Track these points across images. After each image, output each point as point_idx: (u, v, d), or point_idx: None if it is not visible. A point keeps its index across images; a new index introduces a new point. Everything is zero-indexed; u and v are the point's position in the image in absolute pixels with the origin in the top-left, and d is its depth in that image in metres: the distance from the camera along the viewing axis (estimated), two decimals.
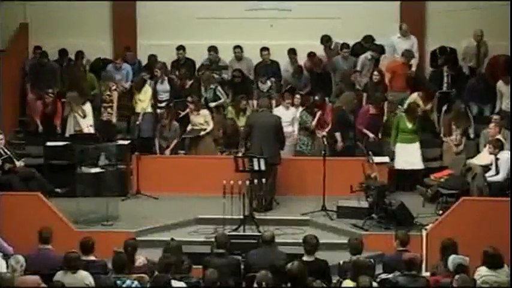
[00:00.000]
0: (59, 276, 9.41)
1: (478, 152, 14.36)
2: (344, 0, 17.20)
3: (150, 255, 10.35)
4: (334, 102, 15.78)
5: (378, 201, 12.84)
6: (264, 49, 16.90)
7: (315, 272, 9.49)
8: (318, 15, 17.20)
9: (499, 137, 13.81)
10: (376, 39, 16.78)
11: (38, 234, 10.42)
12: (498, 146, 13.32)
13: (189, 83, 16.13)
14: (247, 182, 12.89)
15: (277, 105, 15.76)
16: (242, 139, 14.39)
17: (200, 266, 9.97)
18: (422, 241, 11.57)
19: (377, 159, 14.06)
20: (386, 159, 14.50)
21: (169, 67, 16.99)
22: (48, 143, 14.87)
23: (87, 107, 15.40)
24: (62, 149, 14.59)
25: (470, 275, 9.25)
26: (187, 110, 15.52)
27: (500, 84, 15.56)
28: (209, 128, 15.27)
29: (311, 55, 16.59)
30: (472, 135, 15.06)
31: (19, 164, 13.69)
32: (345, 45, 16.57)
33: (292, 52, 16.80)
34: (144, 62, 17.35)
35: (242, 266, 10.25)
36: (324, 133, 14.93)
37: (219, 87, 16.13)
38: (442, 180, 13.73)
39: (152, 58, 16.94)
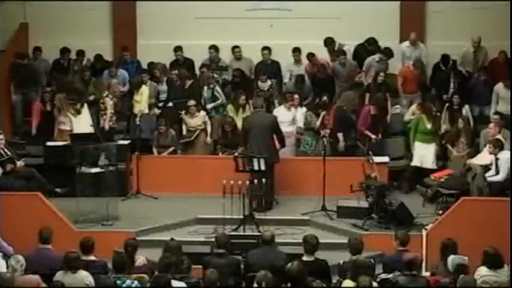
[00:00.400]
0: (59, 276, 9.41)
1: (478, 152, 14.35)
2: (344, 0, 17.19)
3: (150, 255, 10.35)
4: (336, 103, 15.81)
5: (378, 201, 12.84)
6: (265, 48, 16.91)
7: (315, 272, 9.49)
8: (318, 15, 17.21)
9: (499, 137, 13.80)
10: (378, 40, 16.83)
11: (38, 234, 10.43)
12: (498, 146, 13.31)
13: (189, 82, 16.12)
14: (247, 182, 12.89)
15: (279, 105, 15.78)
16: (240, 141, 14.38)
17: (200, 266, 9.97)
18: (422, 241, 11.58)
19: (377, 159, 14.07)
20: (386, 159, 14.51)
21: (168, 67, 17.03)
22: (48, 143, 14.88)
23: (84, 108, 15.35)
24: (61, 149, 14.58)
25: (470, 275, 9.25)
26: (184, 112, 15.52)
27: (499, 87, 15.48)
28: (208, 129, 15.25)
29: (310, 56, 16.57)
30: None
31: (19, 163, 13.68)
32: (341, 52, 16.55)
33: (296, 51, 16.80)
34: (144, 62, 17.34)
35: (242, 266, 10.24)
36: (324, 133, 14.94)
37: (217, 88, 16.11)
38: (442, 180, 13.74)
39: (152, 65, 16.88)
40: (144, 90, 15.89)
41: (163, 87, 16.33)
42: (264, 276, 8.75)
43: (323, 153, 13.79)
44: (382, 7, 17.20)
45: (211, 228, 12.81)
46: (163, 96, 16.29)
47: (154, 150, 15.25)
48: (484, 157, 13.72)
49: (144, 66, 17.18)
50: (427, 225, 12.18)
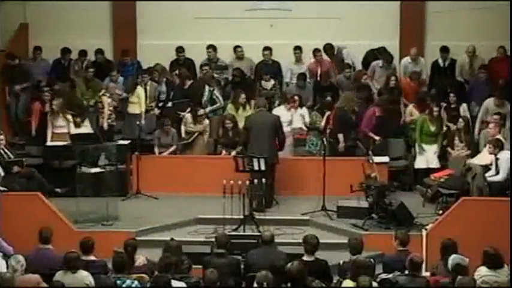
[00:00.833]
0: (59, 276, 9.41)
1: (478, 152, 14.35)
2: (344, 0, 17.19)
3: (150, 255, 10.35)
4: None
5: (378, 201, 12.84)
6: (266, 49, 16.92)
7: (315, 272, 9.49)
8: (318, 15, 17.22)
9: (499, 137, 13.80)
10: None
11: (38, 234, 10.43)
12: (498, 146, 13.31)
13: (189, 83, 16.11)
14: (247, 182, 12.89)
15: (279, 105, 15.78)
16: (241, 140, 14.38)
17: (200, 266, 9.97)
18: (422, 241, 11.58)
19: (377, 159, 14.08)
20: (386, 159, 14.52)
21: (168, 67, 17.04)
22: (48, 143, 14.89)
23: (86, 123, 15.35)
24: (61, 149, 14.58)
25: (469, 275, 9.25)
26: (184, 112, 15.53)
27: (489, 102, 15.32)
28: (206, 135, 15.25)
29: (316, 52, 16.60)
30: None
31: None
32: (346, 65, 16.58)
33: (298, 49, 16.82)
34: (144, 62, 17.34)
35: (242, 266, 10.25)
36: (325, 134, 14.98)
37: (215, 91, 16.09)
38: (442, 180, 13.73)
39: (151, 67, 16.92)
40: (140, 91, 15.85)
41: (163, 88, 16.33)
42: (264, 277, 8.76)
43: (323, 153, 13.81)
44: (382, 7, 17.21)
45: (211, 228, 12.81)
46: (162, 97, 16.29)
47: (156, 149, 15.23)
48: (484, 157, 13.72)
49: (144, 66, 17.18)
50: (427, 225, 12.18)
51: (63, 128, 15.04)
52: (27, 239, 10.78)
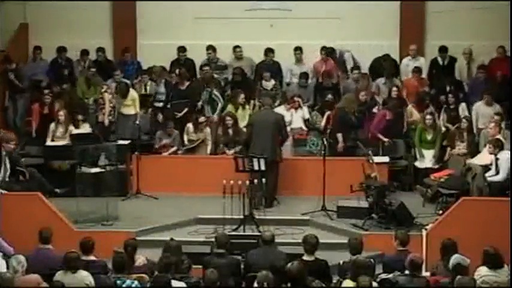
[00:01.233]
0: (59, 276, 9.41)
1: (478, 152, 14.35)
2: (344, 0, 17.19)
3: (150, 255, 10.34)
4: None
5: (378, 201, 12.84)
6: (269, 50, 16.92)
7: (315, 272, 9.49)
8: (317, 15, 17.21)
9: (499, 137, 13.81)
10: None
11: (38, 234, 10.43)
12: (498, 146, 13.31)
13: (187, 83, 16.05)
14: (247, 182, 12.90)
15: (279, 105, 15.78)
16: (244, 138, 14.39)
17: (200, 266, 9.97)
18: (422, 241, 11.57)
19: (377, 159, 14.08)
20: (386, 159, 14.53)
21: (168, 67, 17.04)
22: (48, 143, 14.89)
23: (85, 124, 15.36)
24: (62, 149, 14.58)
25: (469, 275, 9.25)
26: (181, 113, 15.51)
27: (478, 105, 15.42)
28: (208, 147, 15.23)
29: (324, 49, 16.66)
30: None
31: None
32: (355, 67, 16.61)
33: (298, 49, 16.83)
34: (144, 61, 17.34)
35: (242, 266, 10.25)
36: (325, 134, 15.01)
37: (215, 91, 16.08)
38: (442, 180, 13.73)
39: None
40: (134, 93, 15.80)
41: (161, 89, 16.29)
42: (265, 277, 8.75)
43: (323, 153, 13.82)
44: (382, 7, 17.21)
45: (211, 228, 12.80)
46: (160, 97, 16.22)
47: (156, 146, 15.21)
48: (484, 157, 13.72)
49: (144, 66, 17.19)
50: (427, 225, 12.17)
51: (63, 140, 15.01)
52: (27, 239, 10.78)
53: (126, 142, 14.83)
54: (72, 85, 16.72)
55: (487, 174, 13.29)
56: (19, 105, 16.65)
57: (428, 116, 14.89)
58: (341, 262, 10.02)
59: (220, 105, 16.00)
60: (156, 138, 15.30)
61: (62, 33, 17.44)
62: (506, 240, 11.10)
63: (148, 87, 16.41)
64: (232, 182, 12.57)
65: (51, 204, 12.66)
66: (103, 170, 13.67)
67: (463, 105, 15.62)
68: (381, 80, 16.51)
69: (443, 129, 15.24)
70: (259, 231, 12.19)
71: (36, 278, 9.39)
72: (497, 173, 13.21)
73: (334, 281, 9.74)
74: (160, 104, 16.18)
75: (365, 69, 16.92)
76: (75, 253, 9.64)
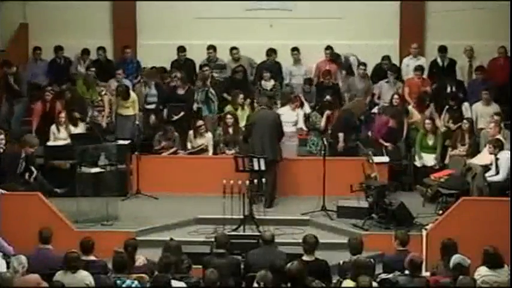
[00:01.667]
0: (59, 276, 9.41)
1: (478, 152, 14.35)
2: (344, 0, 17.19)
3: (150, 255, 10.35)
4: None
5: (378, 201, 12.84)
6: (272, 51, 16.92)
7: (315, 272, 9.49)
8: (318, 15, 17.22)
9: (499, 137, 13.81)
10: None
11: (38, 234, 10.43)
12: (498, 146, 13.32)
13: (185, 88, 15.97)
14: (247, 182, 12.90)
15: (282, 106, 15.78)
16: (243, 138, 14.41)
17: (200, 266, 9.98)
18: (422, 241, 11.57)
19: (377, 159, 14.09)
20: (386, 159, 14.54)
21: (169, 67, 17.04)
22: (48, 143, 14.89)
23: (82, 125, 15.40)
24: (62, 149, 14.58)
25: (469, 275, 9.25)
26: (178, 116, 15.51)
27: (477, 106, 15.44)
28: (210, 152, 15.20)
29: (329, 48, 16.69)
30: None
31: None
32: (362, 63, 16.61)
33: (295, 50, 16.84)
34: (144, 62, 17.35)
35: (242, 266, 10.25)
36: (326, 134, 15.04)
37: (211, 89, 16.06)
38: (442, 180, 13.73)
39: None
40: (134, 95, 15.78)
41: (152, 91, 16.19)
42: (263, 276, 8.76)
43: (323, 153, 13.82)
44: (382, 7, 17.21)
45: (211, 228, 12.80)
46: (150, 100, 16.10)
47: (156, 147, 15.23)
48: (484, 157, 13.72)
49: (144, 66, 17.21)
50: (427, 225, 12.17)
51: (64, 141, 15.01)
52: (27, 239, 10.78)
53: (126, 142, 14.84)
54: (72, 84, 16.72)
55: (487, 174, 13.29)
56: (16, 109, 16.55)
57: (427, 121, 14.91)
58: (341, 262, 10.02)
59: (215, 104, 15.99)
60: (155, 140, 15.28)
61: (62, 33, 17.45)
62: (506, 240, 11.10)
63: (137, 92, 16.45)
64: (232, 182, 12.57)
65: (51, 204, 12.66)
66: (103, 170, 13.65)
67: (466, 104, 15.62)
68: (382, 83, 16.49)
69: (444, 128, 15.24)
70: (259, 231, 12.18)
71: (35, 278, 9.39)
72: (497, 173, 13.22)
73: (334, 281, 9.74)
74: (153, 106, 16.07)
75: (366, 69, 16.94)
76: (75, 253, 9.64)
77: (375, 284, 9.08)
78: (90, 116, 15.74)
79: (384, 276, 9.59)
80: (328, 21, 17.21)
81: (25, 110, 16.46)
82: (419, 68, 16.28)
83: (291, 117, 15.03)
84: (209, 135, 15.23)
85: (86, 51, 17.25)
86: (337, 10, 17.26)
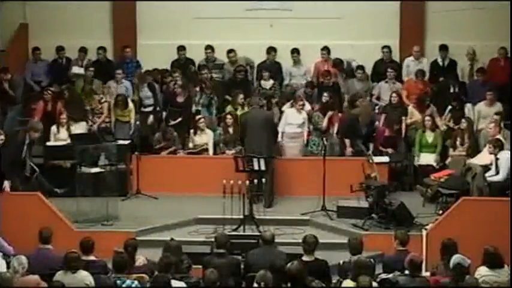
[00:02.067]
0: (59, 276, 9.41)
1: (478, 151, 14.36)
2: (344, 0, 17.19)
3: (150, 255, 10.35)
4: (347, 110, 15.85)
5: (378, 201, 12.85)
6: (272, 49, 16.93)
7: (315, 272, 9.49)
8: (318, 15, 17.21)
9: (499, 137, 13.81)
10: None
11: (38, 234, 10.43)
12: (498, 146, 13.32)
13: (185, 95, 15.87)
14: (247, 182, 12.90)
15: (281, 106, 15.84)
16: (240, 139, 14.44)
17: (200, 266, 9.97)
18: (422, 241, 11.58)
19: (377, 159, 14.10)
20: (386, 159, 14.55)
21: (169, 67, 17.04)
22: (48, 143, 14.89)
23: (81, 124, 15.40)
24: (62, 149, 14.59)
25: (469, 275, 9.25)
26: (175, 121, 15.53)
27: (480, 106, 15.44)
28: (210, 152, 15.22)
29: (325, 49, 16.71)
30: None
31: (5, 185, 13.39)
32: (359, 67, 16.61)
33: (295, 51, 16.85)
34: (144, 62, 17.35)
35: (242, 266, 10.25)
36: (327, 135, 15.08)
37: (215, 98, 16.05)
38: (442, 180, 13.73)
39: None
40: (131, 106, 15.75)
41: (147, 93, 16.10)
42: (263, 276, 8.75)
43: (323, 153, 13.83)
44: (382, 7, 17.20)
45: (211, 228, 12.81)
46: (148, 102, 16.07)
47: (156, 147, 15.23)
48: (484, 157, 13.72)
49: (145, 66, 17.20)
50: (427, 225, 12.18)
51: (64, 142, 15.01)
52: (27, 239, 10.78)
53: (126, 142, 14.84)
54: (71, 84, 16.73)
55: (487, 174, 13.29)
56: (8, 115, 16.45)
57: (427, 118, 14.94)
58: (341, 262, 10.02)
59: (215, 106, 16.02)
60: (154, 140, 15.28)
61: (62, 33, 17.43)
62: (506, 240, 11.11)
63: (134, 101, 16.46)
64: (232, 182, 12.57)
65: (51, 204, 12.67)
66: (103, 170, 13.66)
67: (468, 105, 15.62)
68: (382, 83, 16.50)
69: (444, 127, 15.25)
70: (259, 231, 12.19)
71: (35, 279, 9.39)
72: (497, 173, 13.22)
73: (334, 281, 9.74)
74: (149, 109, 16.02)
75: (367, 69, 16.93)
76: (75, 253, 9.64)
77: (375, 284, 9.08)
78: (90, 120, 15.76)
79: (384, 276, 9.59)
80: (328, 21, 17.19)
81: (19, 115, 16.37)
82: (420, 74, 16.20)
83: (296, 119, 15.05)
84: (209, 132, 15.24)
85: (83, 49, 17.20)
86: (337, 10, 17.24)
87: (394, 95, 15.65)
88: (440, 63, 16.80)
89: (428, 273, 9.95)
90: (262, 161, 13.08)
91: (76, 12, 17.49)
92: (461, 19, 16.93)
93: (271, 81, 16.56)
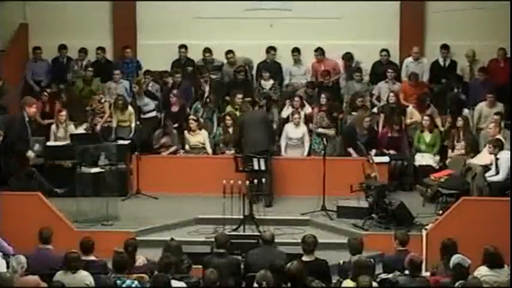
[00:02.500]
0: (59, 276, 9.41)
1: (476, 149, 14.36)
2: (344, 0, 17.19)
3: (150, 255, 10.35)
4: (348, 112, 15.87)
5: (378, 201, 12.85)
6: (271, 48, 16.93)
7: (315, 272, 9.49)
8: (318, 15, 17.20)
9: (499, 137, 13.81)
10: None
11: (38, 234, 10.43)
12: (498, 146, 13.32)
13: (179, 105, 15.84)
14: (247, 182, 12.90)
15: (281, 107, 15.89)
16: (236, 138, 14.47)
17: (200, 266, 9.97)
18: (422, 241, 11.58)
19: (377, 159, 14.10)
20: (386, 159, 14.55)
21: (169, 67, 17.05)
22: (48, 143, 14.89)
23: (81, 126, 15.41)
24: (62, 149, 14.59)
25: (469, 275, 9.25)
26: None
27: (481, 106, 15.45)
28: (208, 150, 15.21)
29: (319, 50, 16.72)
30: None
31: (30, 154, 13.53)
32: (358, 70, 16.62)
33: (296, 51, 16.86)
34: (144, 62, 17.36)
35: (242, 266, 10.25)
36: (320, 130, 15.11)
37: (216, 113, 16.05)
38: (442, 180, 13.73)
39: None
40: (131, 109, 15.72)
41: (144, 99, 16.02)
42: (264, 276, 8.75)
43: (323, 153, 13.84)
44: (382, 7, 17.19)
45: (211, 228, 12.81)
46: (146, 108, 16.00)
47: (156, 146, 15.22)
48: (484, 157, 13.73)
49: (144, 66, 17.20)
50: (427, 225, 12.18)
51: (64, 140, 15.00)
52: (27, 239, 10.77)
53: (126, 142, 14.84)
54: (70, 85, 16.72)
55: (487, 174, 13.29)
56: None
57: (425, 118, 14.96)
58: (341, 262, 10.02)
59: (216, 117, 16.06)
60: (154, 137, 15.29)
61: (62, 33, 17.42)
62: (506, 240, 11.11)
63: (149, 88, 16.44)
64: (232, 182, 12.57)
65: (51, 204, 12.67)
66: (103, 170, 13.66)
67: (466, 111, 15.60)
68: (381, 84, 16.49)
69: (442, 129, 15.26)
70: (259, 231, 12.20)
71: (35, 280, 9.40)
72: (497, 173, 13.21)
73: (334, 281, 9.74)
74: (150, 115, 15.96)
75: (367, 69, 16.94)
76: (75, 253, 9.64)
77: (375, 284, 9.08)
78: (90, 121, 15.75)
79: (384, 276, 9.59)
80: (328, 21, 17.18)
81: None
82: (413, 77, 16.15)
83: (296, 133, 15.17)
84: (205, 133, 15.23)
85: (83, 50, 17.21)
86: (337, 10, 17.23)
87: (391, 95, 15.73)
88: (442, 64, 16.80)
89: (428, 273, 9.95)
90: (262, 161, 13.08)
91: (76, 12, 17.48)
92: (461, 19, 16.93)
93: (271, 81, 16.57)
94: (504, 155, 13.23)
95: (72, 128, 15.10)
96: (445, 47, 16.72)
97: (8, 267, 9.85)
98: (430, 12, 17.34)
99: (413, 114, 15.56)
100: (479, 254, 9.52)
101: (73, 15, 17.51)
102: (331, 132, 15.29)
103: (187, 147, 15.23)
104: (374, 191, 12.98)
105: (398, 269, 9.52)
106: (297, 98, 15.58)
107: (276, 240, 10.68)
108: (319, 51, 16.81)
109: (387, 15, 17.21)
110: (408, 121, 15.56)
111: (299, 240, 10.37)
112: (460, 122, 14.74)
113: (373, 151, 14.69)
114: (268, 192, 13.77)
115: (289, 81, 16.97)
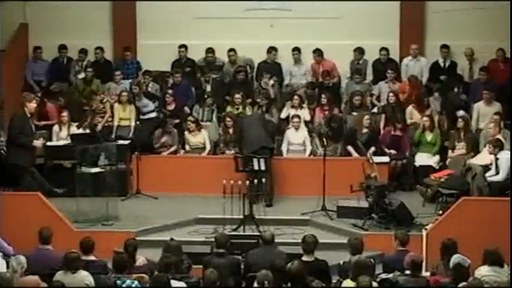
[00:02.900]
0: (59, 276, 9.41)
1: (477, 148, 14.36)
2: (344, 0, 17.19)
3: (150, 255, 10.35)
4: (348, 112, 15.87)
5: (378, 201, 12.85)
6: (272, 48, 16.93)
7: (315, 272, 9.49)
8: (317, 15, 17.20)
9: (499, 137, 13.82)
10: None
11: (38, 234, 10.43)
12: (498, 146, 13.33)
13: (174, 104, 15.87)
14: (247, 182, 12.90)
15: (281, 108, 15.90)
16: (239, 148, 14.49)
17: (200, 266, 9.97)
18: (422, 241, 11.58)
19: (377, 159, 14.10)
20: (386, 159, 14.55)
21: (169, 67, 17.04)
22: (48, 143, 14.89)
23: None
24: (62, 149, 14.59)
25: (469, 275, 9.25)
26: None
27: (479, 105, 15.44)
28: (207, 149, 15.23)
29: (317, 51, 16.72)
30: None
31: (37, 143, 13.50)
32: (357, 71, 16.62)
33: (296, 50, 16.87)
34: (144, 62, 17.35)
35: (242, 266, 10.25)
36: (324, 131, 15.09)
37: (216, 112, 16.07)
38: (442, 180, 13.73)
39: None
40: (132, 108, 15.74)
41: (144, 101, 16.05)
42: (265, 276, 8.76)
43: (323, 153, 13.84)
44: (382, 7, 17.19)
45: (211, 228, 12.81)
46: (146, 109, 16.01)
47: (156, 146, 15.22)
48: (484, 157, 13.73)
49: (144, 66, 17.21)
50: (427, 225, 12.18)
51: (66, 141, 15.01)
52: (27, 239, 10.77)
53: (126, 142, 14.85)
54: (70, 85, 16.70)
55: (487, 174, 13.30)
56: None
57: (425, 118, 14.95)
58: (341, 262, 10.02)
59: (216, 114, 16.05)
60: (154, 136, 15.29)
61: (62, 33, 17.43)
62: (506, 240, 11.11)
63: (149, 88, 16.44)
64: (232, 182, 12.58)
65: (51, 204, 12.66)
66: (103, 170, 13.65)
67: (461, 112, 15.59)
68: (381, 84, 16.50)
69: (445, 127, 15.27)
70: (259, 231, 12.19)
71: (35, 280, 9.40)
72: (497, 173, 13.23)
73: (334, 281, 9.74)
74: (149, 116, 15.98)
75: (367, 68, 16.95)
76: (75, 253, 9.64)
77: (375, 284, 9.08)
78: (90, 121, 15.75)
79: (384, 276, 9.60)
80: (328, 21, 17.18)
81: None
82: (413, 79, 16.12)
83: (296, 138, 15.14)
84: (205, 133, 15.24)
85: (83, 51, 17.21)
86: (337, 10, 17.23)
87: (391, 94, 15.73)
88: (442, 64, 16.79)
89: (428, 273, 9.95)
90: (262, 161, 13.08)
91: (76, 12, 17.48)
92: (461, 19, 16.93)
93: (271, 82, 16.55)
94: (504, 155, 13.24)
95: (74, 129, 15.09)
96: (445, 47, 16.73)
97: (8, 267, 9.85)
98: (430, 12, 17.34)
99: (413, 114, 15.56)
100: (479, 254, 9.53)
101: (73, 15, 17.51)
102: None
103: (187, 147, 15.24)
104: (374, 191, 12.98)
105: (398, 269, 9.52)
106: (296, 97, 15.60)
107: (276, 240, 10.68)
108: (318, 53, 16.81)
109: (387, 15, 17.20)
110: (408, 121, 15.55)
111: (299, 240, 10.38)
112: (460, 123, 14.73)
113: (372, 148, 14.70)
114: (268, 192, 13.77)
115: (289, 82, 16.97)
